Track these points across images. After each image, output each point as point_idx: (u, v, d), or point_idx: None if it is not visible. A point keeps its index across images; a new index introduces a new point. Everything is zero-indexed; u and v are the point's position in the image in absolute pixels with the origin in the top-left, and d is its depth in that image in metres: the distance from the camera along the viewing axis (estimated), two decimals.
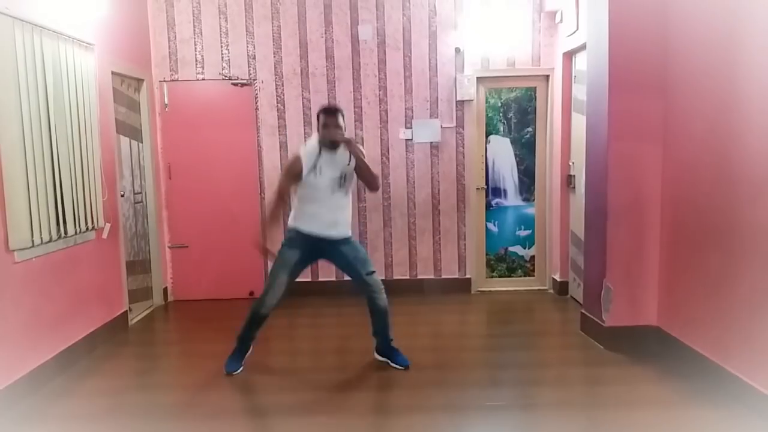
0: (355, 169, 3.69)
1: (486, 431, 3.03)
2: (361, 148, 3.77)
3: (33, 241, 3.45)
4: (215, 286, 5.56)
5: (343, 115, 3.65)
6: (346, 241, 3.73)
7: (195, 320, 5.07)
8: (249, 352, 3.83)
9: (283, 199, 3.74)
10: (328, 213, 3.65)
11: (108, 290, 4.49)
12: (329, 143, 3.60)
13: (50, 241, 3.63)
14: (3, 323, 3.28)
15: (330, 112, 3.63)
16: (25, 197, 3.39)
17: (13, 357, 3.36)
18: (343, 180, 3.65)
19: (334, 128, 3.58)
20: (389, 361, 3.81)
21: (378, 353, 3.88)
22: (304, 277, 5.10)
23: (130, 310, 4.86)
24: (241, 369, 3.74)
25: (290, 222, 3.77)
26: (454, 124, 5.52)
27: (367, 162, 3.68)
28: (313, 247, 3.71)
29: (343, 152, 3.64)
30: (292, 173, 3.63)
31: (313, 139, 3.70)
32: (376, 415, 3.17)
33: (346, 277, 3.95)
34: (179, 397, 3.46)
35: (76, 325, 4.03)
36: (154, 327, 4.98)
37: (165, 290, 5.54)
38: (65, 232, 3.77)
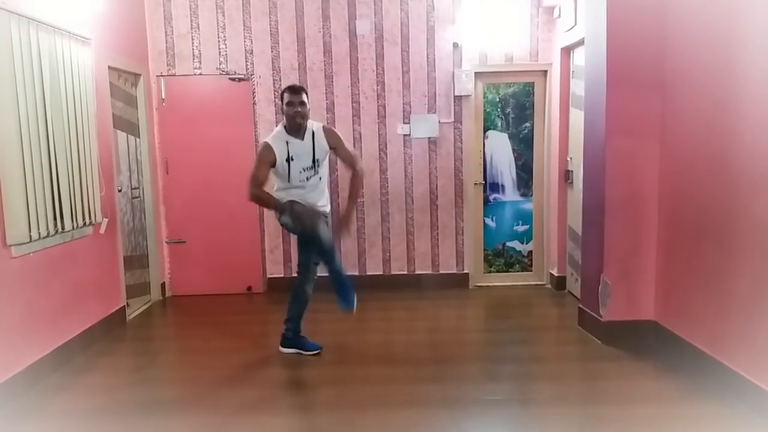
0: (338, 153, 3.85)
1: (484, 426, 3.03)
2: (352, 152, 3.88)
3: (30, 236, 3.44)
4: (213, 281, 5.56)
5: (306, 93, 3.74)
6: (327, 216, 3.90)
7: (193, 315, 5.07)
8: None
9: (261, 187, 3.72)
10: (309, 195, 3.77)
11: (105, 285, 4.49)
12: (295, 128, 3.69)
13: (47, 236, 3.63)
14: None
15: (294, 91, 3.70)
16: (23, 192, 3.38)
17: (10, 353, 3.35)
18: (317, 165, 3.75)
19: (299, 105, 3.65)
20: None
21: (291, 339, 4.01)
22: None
23: (127, 305, 4.85)
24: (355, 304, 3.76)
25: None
26: (452, 120, 5.51)
27: (359, 181, 3.86)
28: None
29: (308, 138, 3.72)
30: (265, 161, 3.69)
31: (279, 127, 3.78)
32: (374, 409, 3.17)
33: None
34: (177, 393, 3.46)
35: (73, 320, 4.03)
36: (151, 322, 4.98)
37: (163, 285, 5.54)
38: (62, 227, 3.77)
